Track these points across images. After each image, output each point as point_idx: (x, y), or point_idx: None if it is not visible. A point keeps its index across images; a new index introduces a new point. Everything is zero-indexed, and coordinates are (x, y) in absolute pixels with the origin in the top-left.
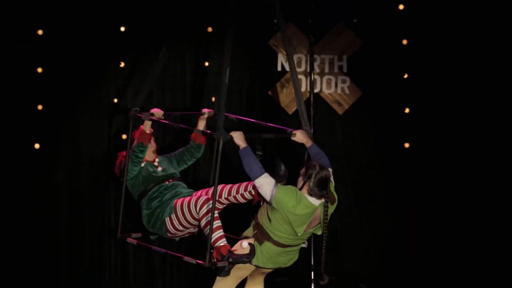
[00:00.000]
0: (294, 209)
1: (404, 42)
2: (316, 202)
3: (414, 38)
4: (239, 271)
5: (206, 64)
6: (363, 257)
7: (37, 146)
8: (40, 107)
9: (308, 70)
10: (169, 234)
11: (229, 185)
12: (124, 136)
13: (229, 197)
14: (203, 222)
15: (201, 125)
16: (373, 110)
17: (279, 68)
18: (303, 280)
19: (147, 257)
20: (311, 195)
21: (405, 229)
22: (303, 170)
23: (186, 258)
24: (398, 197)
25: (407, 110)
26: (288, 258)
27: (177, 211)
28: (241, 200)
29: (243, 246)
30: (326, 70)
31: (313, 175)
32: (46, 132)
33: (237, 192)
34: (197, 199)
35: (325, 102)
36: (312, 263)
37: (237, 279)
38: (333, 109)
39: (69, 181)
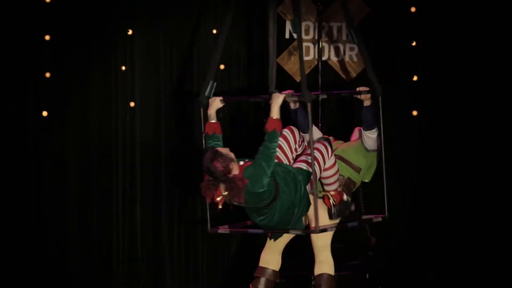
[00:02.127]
0: None
1: (413, 9)
2: None
3: (422, 5)
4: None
5: (214, 31)
6: (371, 224)
7: (45, 113)
8: (48, 74)
9: (316, 37)
10: None
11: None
12: (132, 104)
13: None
14: (331, 172)
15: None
16: (381, 77)
17: (287, 36)
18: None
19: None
20: None
21: (414, 197)
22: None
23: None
24: (406, 164)
25: (415, 78)
26: None
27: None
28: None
29: (344, 199)
30: (334, 37)
31: None
32: (54, 99)
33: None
34: (321, 151)
35: (333, 70)
36: None
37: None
38: (340, 77)
39: (77, 149)
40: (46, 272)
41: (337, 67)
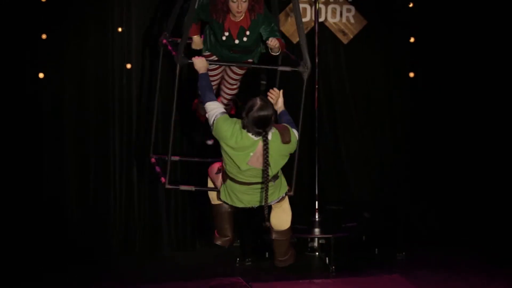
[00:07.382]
0: (227, 140)
1: None
2: (254, 137)
3: None
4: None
5: None
6: (368, 185)
7: (41, 75)
8: (44, 36)
9: None
10: None
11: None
12: (128, 66)
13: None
14: None
15: None
16: (378, 39)
17: None
18: (307, 209)
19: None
20: (248, 131)
21: (410, 158)
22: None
23: None
24: (402, 125)
25: (412, 39)
26: (248, 199)
27: None
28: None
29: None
30: None
31: (251, 112)
32: (50, 61)
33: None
34: None
35: (330, 32)
36: (317, 192)
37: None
38: (337, 39)
39: (74, 111)
40: (43, 230)
41: (334, 29)
